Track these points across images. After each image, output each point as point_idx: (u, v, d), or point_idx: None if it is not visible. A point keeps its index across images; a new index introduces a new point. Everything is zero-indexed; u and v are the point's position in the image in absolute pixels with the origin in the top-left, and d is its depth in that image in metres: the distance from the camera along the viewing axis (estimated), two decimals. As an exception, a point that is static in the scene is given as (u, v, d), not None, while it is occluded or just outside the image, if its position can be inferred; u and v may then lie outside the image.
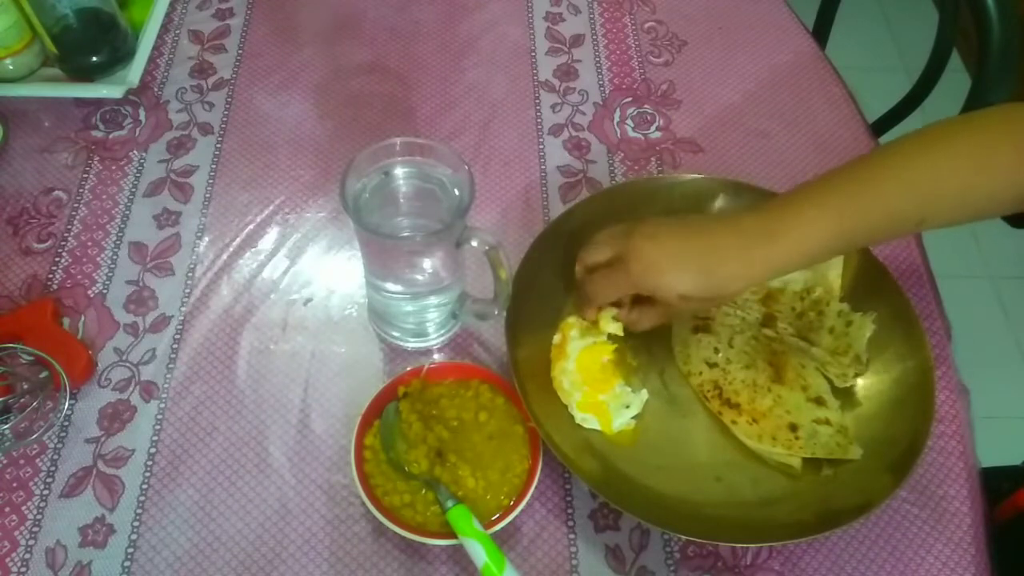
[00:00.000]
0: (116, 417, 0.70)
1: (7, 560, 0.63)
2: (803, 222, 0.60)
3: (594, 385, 0.68)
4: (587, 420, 0.67)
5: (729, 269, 0.61)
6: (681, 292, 0.61)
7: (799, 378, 0.70)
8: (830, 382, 0.70)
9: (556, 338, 0.70)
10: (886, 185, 0.59)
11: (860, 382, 0.70)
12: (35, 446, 0.68)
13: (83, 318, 0.75)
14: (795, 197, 0.61)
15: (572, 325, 0.71)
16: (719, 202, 0.77)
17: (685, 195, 0.78)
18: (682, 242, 0.62)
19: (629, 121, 0.89)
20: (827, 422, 0.67)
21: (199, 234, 0.80)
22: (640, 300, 0.68)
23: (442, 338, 0.73)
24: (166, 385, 0.71)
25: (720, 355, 0.71)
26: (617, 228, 0.66)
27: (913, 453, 0.63)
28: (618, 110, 0.90)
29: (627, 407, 0.68)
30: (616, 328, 0.69)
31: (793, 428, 0.67)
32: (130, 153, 0.86)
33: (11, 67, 0.86)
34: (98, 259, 0.78)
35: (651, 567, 0.63)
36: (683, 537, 0.63)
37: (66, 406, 0.69)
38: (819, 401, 0.68)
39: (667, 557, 0.64)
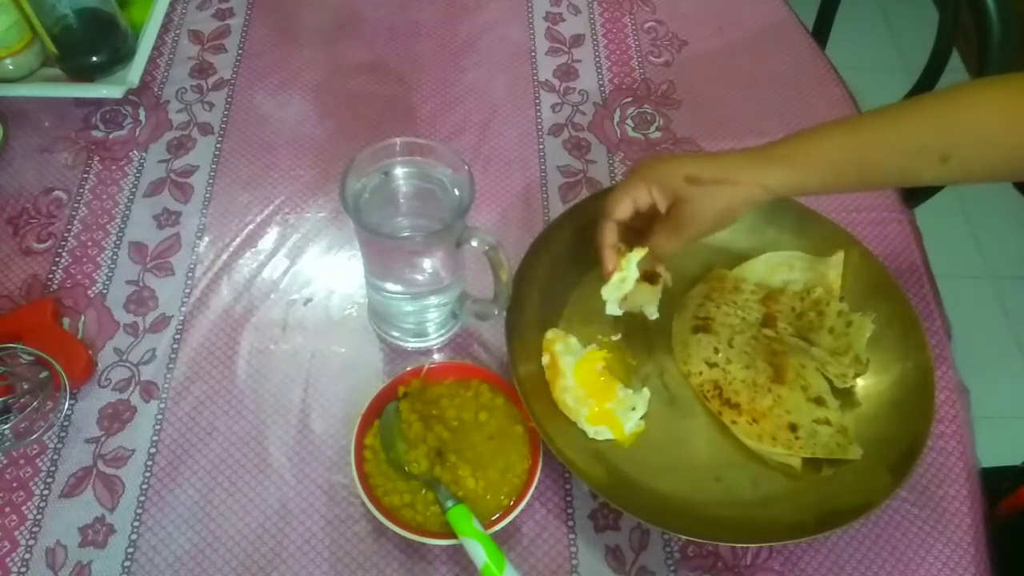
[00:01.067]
0: (116, 417, 0.70)
1: (7, 560, 0.63)
2: (820, 137, 0.61)
3: (597, 395, 0.68)
4: (600, 432, 0.67)
5: (739, 162, 0.62)
6: (688, 171, 0.61)
7: (799, 378, 0.70)
8: (830, 382, 0.70)
9: (545, 359, 0.70)
10: (910, 114, 0.60)
11: (860, 382, 0.70)
12: (35, 446, 0.68)
13: (83, 318, 0.75)
14: (813, 126, 0.62)
15: (554, 340, 0.70)
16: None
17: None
18: (686, 153, 0.65)
19: (629, 121, 0.89)
20: (827, 422, 0.67)
21: (199, 234, 0.80)
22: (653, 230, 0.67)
23: (442, 338, 0.73)
24: (166, 385, 0.71)
25: (720, 355, 0.71)
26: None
27: (913, 453, 0.63)
28: (618, 110, 0.90)
29: (633, 409, 0.68)
30: (613, 308, 0.69)
31: (793, 428, 0.67)
32: (130, 153, 0.86)
33: (11, 67, 0.86)
34: (98, 259, 0.78)
35: (651, 567, 0.63)
36: (683, 537, 0.63)
37: (66, 406, 0.69)
38: (819, 401, 0.68)
39: (667, 557, 0.64)
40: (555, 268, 0.74)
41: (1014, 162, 0.60)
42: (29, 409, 0.69)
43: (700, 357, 0.71)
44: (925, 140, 0.59)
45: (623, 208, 0.65)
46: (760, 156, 0.62)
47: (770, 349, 0.71)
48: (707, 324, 0.72)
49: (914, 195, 0.92)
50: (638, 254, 0.66)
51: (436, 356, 0.73)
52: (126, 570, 0.63)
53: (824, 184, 0.62)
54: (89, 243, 0.79)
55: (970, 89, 0.62)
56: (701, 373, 0.71)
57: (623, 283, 0.67)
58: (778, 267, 0.75)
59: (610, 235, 0.66)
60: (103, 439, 0.69)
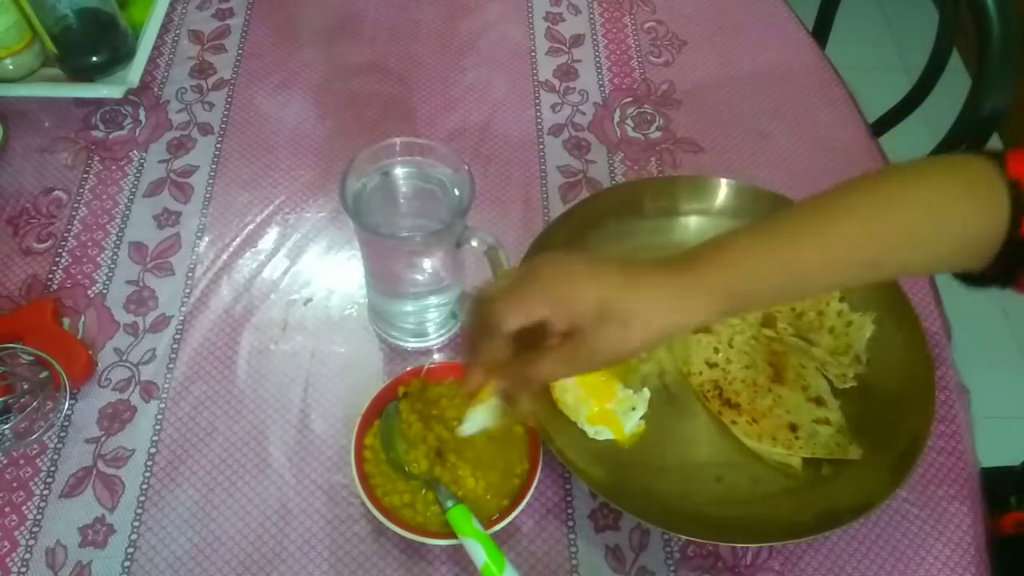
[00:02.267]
0: (116, 417, 0.70)
1: (7, 560, 0.63)
2: (740, 249, 0.52)
3: (597, 395, 0.68)
4: (600, 432, 0.67)
5: (659, 294, 0.51)
6: (598, 303, 0.50)
7: (799, 378, 0.70)
8: (830, 382, 0.70)
9: None
10: (840, 224, 0.53)
11: (860, 382, 0.70)
12: (35, 446, 0.68)
13: (83, 318, 0.74)
14: (734, 231, 0.54)
15: None
16: (719, 202, 0.78)
17: (685, 195, 0.78)
18: (598, 262, 0.53)
19: (629, 121, 0.89)
20: (827, 422, 0.67)
21: (199, 234, 0.80)
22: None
23: (442, 338, 0.73)
24: (166, 385, 0.71)
25: (720, 355, 0.71)
26: (516, 269, 0.57)
27: (913, 453, 0.63)
28: (618, 110, 0.90)
29: (633, 409, 0.68)
30: (469, 429, 0.58)
31: (793, 428, 0.67)
32: (130, 153, 0.86)
33: (11, 67, 0.86)
34: (98, 259, 0.78)
35: (651, 567, 0.63)
36: (683, 537, 0.63)
37: (66, 406, 0.69)
38: (819, 401, 0.68)
39: (667, 557, 0.64)
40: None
41: (943, 261, 0.56)
42: (29, 409, 0.68)
43: (700, 357, 0.71)
44: (855, 254, 0.53)
45: (516, 323, 0.51)
46: (682, 285, 0.51)
47: (770, 349, 0.71)
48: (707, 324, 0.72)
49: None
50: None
51: (436, 356, 0.73)
52: (126, 570, 0.63)
53: (747, 310, 0.58)
54: (89, 243, 0.79)
55: (900, 186, 0.54)
56: (701, 373, 0.71)
57: (486, 418, 0.58)
58: None
59: (501, 353, 0.53)
60: (103, 439, 0.69)
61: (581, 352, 0.52)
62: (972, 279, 0.56)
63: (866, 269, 0.54)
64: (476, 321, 0.53)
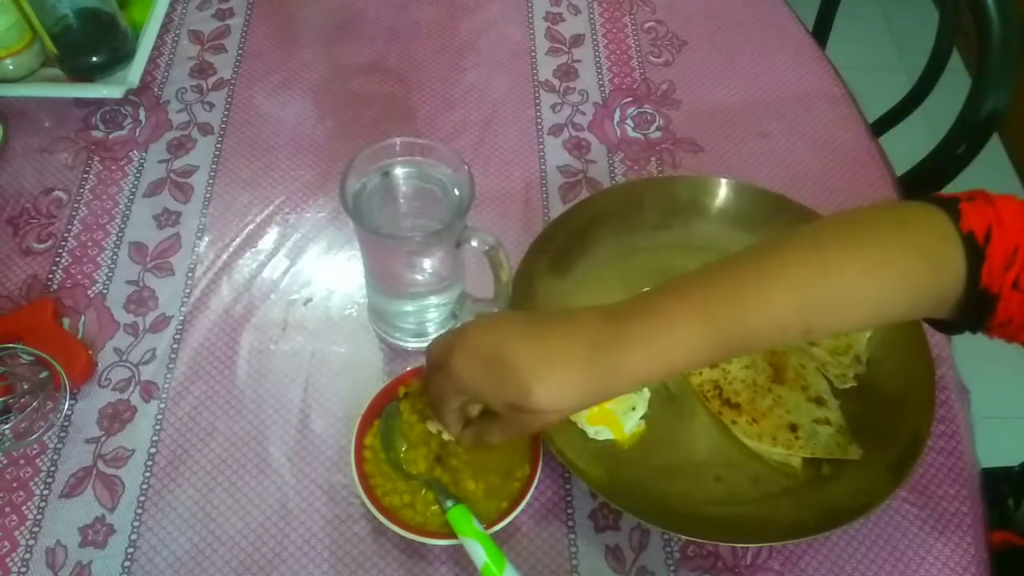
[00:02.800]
0: (116, 417, 0.70)
1: (7, 560, 0.63)
2: (665, 325, 0.50)
3: None
4: (600, 432, 0.67)
5: (564, 378, 0.51)
6: (509, 404, 0.51)
7: (799, 378, 0.70)
8: (830, 383, 0.70)
9: None
10: (762, 290, 0.51)
11: (860, 382, 0.70)
12: (35, 446, 0.68)
13: (83, 318, 0.74)
14: (656, 297, 0.52)
15: None
16: (719, 202, 0.78)
17: (685, 195, 0.78)
18: (509, 344, 0.52)
19: (629, 121, 0.89)
20: (827, 422, 0.67)
21: (199, 234, 0.80)
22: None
23: (442, 338, 0.73)
24: (166, 385, 0.71)
25: None
26: (447, 333, 0.58)
27: (913, 453, 0.63)
28: (618, 110, 0.90)
29: (633, 408, 0.68)
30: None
31: (793, 428, 0.67)
32: (130, 153, 0.86)
33: (11, 67, 0.86)
34: (98, 259, 0.78)
35: (651, 567, 0.63)
36: (683, 537, 0.63)
37: (66, 406, 0.69)
38: (819, 401, 0.68)
39: (667, 557, 0.64)
40: (555, 268, 0.74)
41: (886, 315, 0.54)
42: (29, 409, 0.69)
43: None
44: (787, 320, 0.51)
45: (451, 410, 0.57)
46: (598, 372, 0.51)
47: (770, 349, 0.71)
48: None
49: (914, 195, 0.92)
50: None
51: (436, 356, 0.73)
52: (126, 570, 0.63)
53: (670, 375, 0.59)
54: (89, 243, 0.79)
55: (836, 242, 0.52)
56: (701, 373, 0.71)
57: None
58: None
59: (455, 425, 0.59)
60: (103, 439, 0.69)
61: (512, 427, 0.57)
62: (943, 326, 0.56)
63: (807, 333, 0.51)
64: (426, 401, 0.60)
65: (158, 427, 0.69)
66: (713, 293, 0.51)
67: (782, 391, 0.69)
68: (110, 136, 0.87)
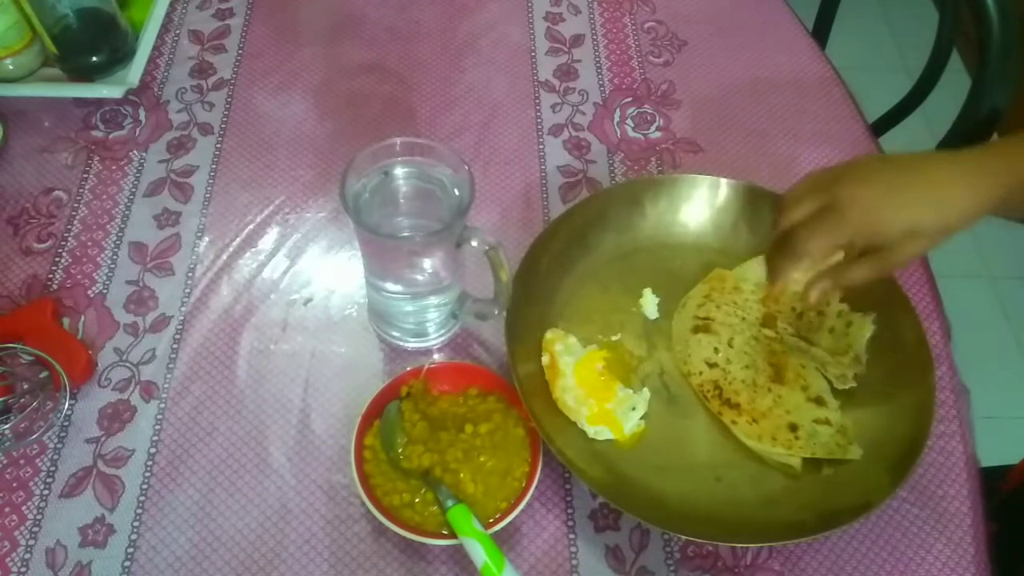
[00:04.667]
0: (116, 417, 0.70)
1: (7, 560, 0.63)
2: (1017, 165, 0.59)
3: (597, 395, 0.68)
4: (600, 432, 0.67)
5: (956, 197, 0.58)
6: (909, 227, 0.58)
7: (799, 378, 0.70)
8: (830, 383, 0.70)
9: (544, 359, 0.70)
10: None
11: (860, 382, 0.70)
12: (35, 446, 0.68)
13: (83, 318, 0.74)
14: (1004, 143, 0.61)
15: (554, 340, 0.70)
16: (719, 202, 0.78)
17: (685, 195, 0.78)
18: (898, 178, 0.58)
19: (629, 121, 0.89)
20: (827, 422, 0.67)
21: (199, 234, 0.80)
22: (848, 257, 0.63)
23: (442, 338, 0.73)
24: (166, 385, 0.71)
25: (720, 355, 0.71)
26: (814, 179, 0.61)
27: (913, 453, 0.63)
28: (618, 110, 0.90)
29: (633, 409, 0.68)
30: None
31: (793, 428, 0.67)
32: (130, 153, 0.86)
33: (11, 67, 0.86)
34: (98, 259, 0.78)
35: (651, 567, 0.63)
36: (683, 537, 0.63)
37: (66, 406, 0.69)
38: (819, 401, 0.68)
39: (667, 557, 0.64)
40: (555, 268, 0.74)
41: None
42: (29, 409, 0.69)
43: (700, 357, 0.71)
44: None
45: (820, 249, 0.60)
46: (979, 196, 0.59)
47: (770, 349, 0.71)
48: (707, 324, 0.72)
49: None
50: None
51: (436, 356, 0.73)
52: (126, 570, 0.63)
53: (1012, 210, 0.61)
54: (89, 243, 0.79)
55: None
56: (701, 373, 0.71)
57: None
58: (726, 275, 0.75)
59: (803, 275, 0.62)
60: (103, 439, 0.69)
61: (893, 261, 0.60)
62: None
63: None
64: (782, 241, 0.61)
65: (158, 427, 0.69)
66: None
67: (782, 391, 0.69)
68: (110, 136, 0.87)
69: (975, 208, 0.58)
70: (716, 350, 0.71)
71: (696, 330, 0.72)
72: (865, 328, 0.70)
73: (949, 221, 0.58)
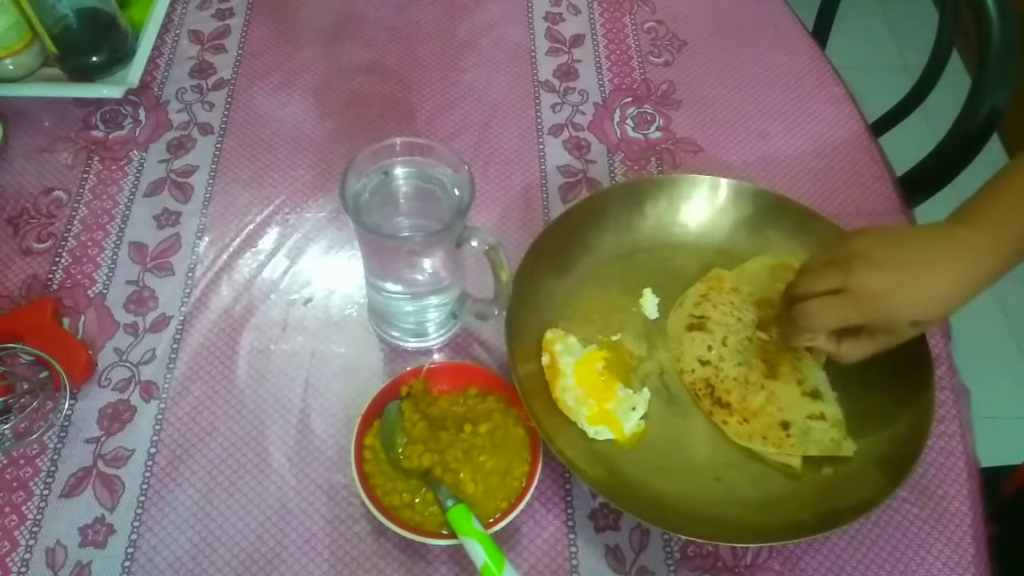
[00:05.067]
0: (116, 417, 0.70)
1: (7, 560, 0.63)
2: (1011, 234, 0.62)
3: (597, 395, 0.68)
4: (600, 432, 0.67)
5: (961, 293, 0.61)
6: (915, 318, 0.62)
7: (795, 371, 0.70)
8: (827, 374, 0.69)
9: (544, 359, 0.70)
10: None
11: (860, 382, 0.70)
12: (35, 446, 0.68)
13: (83, 318, 0.75)
14: (992, 206, 0.63)
15: (553, 340, 0.70)
16: (719, 202, 0.78)
17: (685, 195, 0.78)
18: (911, 270, 0.61)
19: (629, 121, 0.89)
20: (822, 417, 0.67)
21: (199, 234, 0.80)
22: (849, 331, 0.65)
23: (442, 338, 0.73)
24: (166, 385, 0.71)
25: (713, 352, 0.71)
26: (828, 256, 0.64)
27: (913, 453, 0.63)
28: (618, 110, 0.90)
29: (633, 409, 0.68)
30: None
31: (785, 426, 0.67)
32: (130, 153, 0.86)
33: (11, 67, 0.86)
34: (98, 259, 0.78)
35: (651, 567, 0.63)
36: (683, 537, 0.63)
37: (66, 406, 0.69)
38: (815, 395, 0.68)
39: (667, 557, 0.64)
40: (555, 268, 0.74)
41: None
42: (29, 409, 0.69)
43: (693, 355, 0.71)
44: None
45: (830, 328, 0.64)
46: (975, 282, 0.61)
47: (764, 349, 0.71)
48: (702, 323, 0.72)
49: (914, 195, 0.92)
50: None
51: (436, 356, 0.73)
52: (126, 570, 0.63)
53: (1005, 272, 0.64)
54: (89, 243, 0.79)
55: None
56: (693, 371, 0.71)
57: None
58: (777, 269, 0.75)
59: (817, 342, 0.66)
60: (103, 439, 0.69)
61: (891, 342, 0.64)
62: None
63: None
64: (796, 320, 0.64)
65: (158, 427, 0.69)
66: None
67: (776, 386, 0.69)
68: (110, 136, 0.87)
69: (974, 295, 0.62)
70: (709, 348, 0.71)
71: (691, 328, 0.72)
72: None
73: (950, 312, 0.63)
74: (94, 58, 0.88)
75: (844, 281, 0.61)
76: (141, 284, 0.77)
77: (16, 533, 0.64)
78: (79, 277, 0.77)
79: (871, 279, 0.60)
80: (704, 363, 0.71)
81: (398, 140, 0.65)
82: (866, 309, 0.61)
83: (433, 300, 0.71)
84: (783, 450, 0.66)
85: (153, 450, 0.68)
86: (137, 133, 0.87)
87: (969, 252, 0.62)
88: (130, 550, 0.64)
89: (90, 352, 0.72)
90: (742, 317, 0.73)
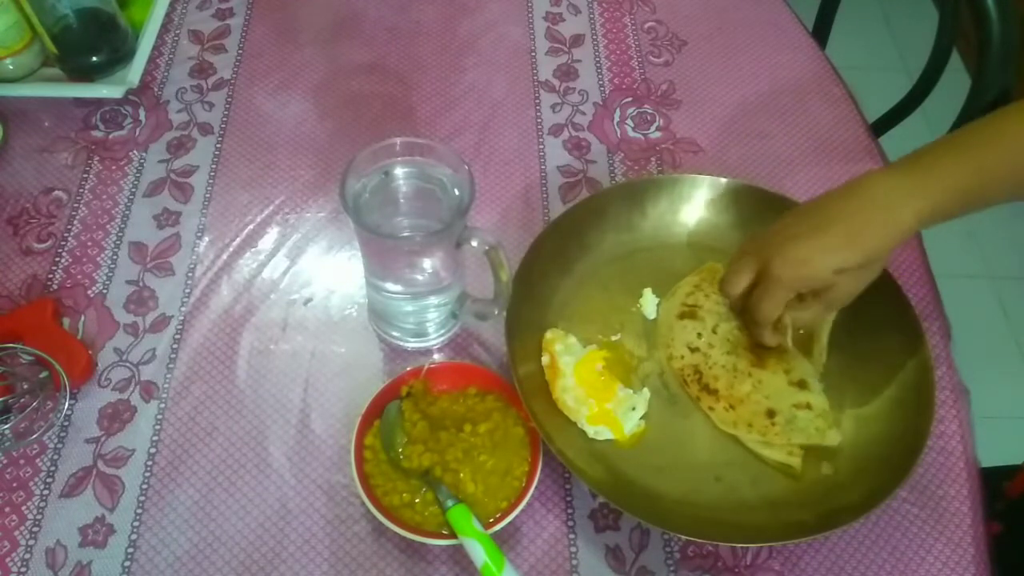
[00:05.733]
0: (116, 417, 0.70)
1: (7, 560, 0.63)
2: (939, 177, 0.60)
3: (597, 395, 0.68)
4: (600, 432, 0.67)
5: (873, 231, 0.61)
6: (835, 267, 0.61)
7: (781, 362, 0.70)
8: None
9: (544, 359, 0.70)
10: (1013, 138, 0.61)
11: (860, 383, 0.70)
12: (35, 446, 0.68)
13: (83, 318, 0.75)
14: (925, 155, 0.62)
15: (553, 340, 0.70)
16: (719, 202, 0.78)
17: (685, 195, 0.78)
18: (810, 223, 0.62)
19: (629, 121, 0.89)
20: (808, 406, 0.67)
21: (199, 234, 0.80)
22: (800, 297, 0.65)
23: (442, 338, 0.73)
24: (166, 385, 0.71)
25: (703, 339, 0.71)
26: (743, 250, 0.66)
27: (913, 453, 0.63)
28: (618, 110, 0.90)
29: (633, 409, 0.68)
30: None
31: (771, 414, 0.67)
32: (130, 153, 0.86)
33: (11, 67, 0.86)
34: (98, 259, 0.78)
35: (651, 567, 0.63)
36: (683, 537, 0.63)
37: (66, 406, 0.69)
38: (801, 384, 0.69)
39: (667, 557, 0.64)
40: (555, 268, 0.74)
41: None
42: (29, 409, 0.69)
43: (683, 341, 0.72)
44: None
45: (774, 313, 0.64)
46: (896, 220, 0.61)
47: (753, 339, 0.71)
48: (693, 311, 0.73)
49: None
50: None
51: (436, 356, 0.73)
52: (126, 570, 0.63)
53: (943, 219, 0.63)
54: (89, 243, 0.79)
55: None
56: (683, 357, 0.71)
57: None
58: (717, 268, 0.76)
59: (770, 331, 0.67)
60: (103, 439, 0.69)
61: (833, 298, 0.64)
62: None
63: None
64: (747, 320, 0.67)
65: (158, 427, 0.69)
66: (972, 150, 0.62)
67: (763, 375, 0.69)
68: (110, 136, 0.87)
69: (896, 231, 0.61)
70: (699, 335, 0.71)
71: (682, 316, 0.73)
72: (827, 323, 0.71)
73: (869, 252, 0.61)
74: (94, 58, 0.88)
75: (760, 264, 0.62)
76: (141, 284, 0.77)
77: (16, 533, 0.64)
78: (79, 277, 0.77)
79: (779, 250, 0.61)
80: (693, 350, 0.71)
81: (398, 140, 0.65)
82: (787, 278, 0.61)
83: (433, 300, 0.71)
84: (767, 438, 0.67)
85: (153, 450, 0.68)
86: (137, 133, 0.87)
87: (886, 195, 0.61)
88: (130, 550, 0.64)
89: (90, 352, 0.72)
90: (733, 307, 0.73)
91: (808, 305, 0.65)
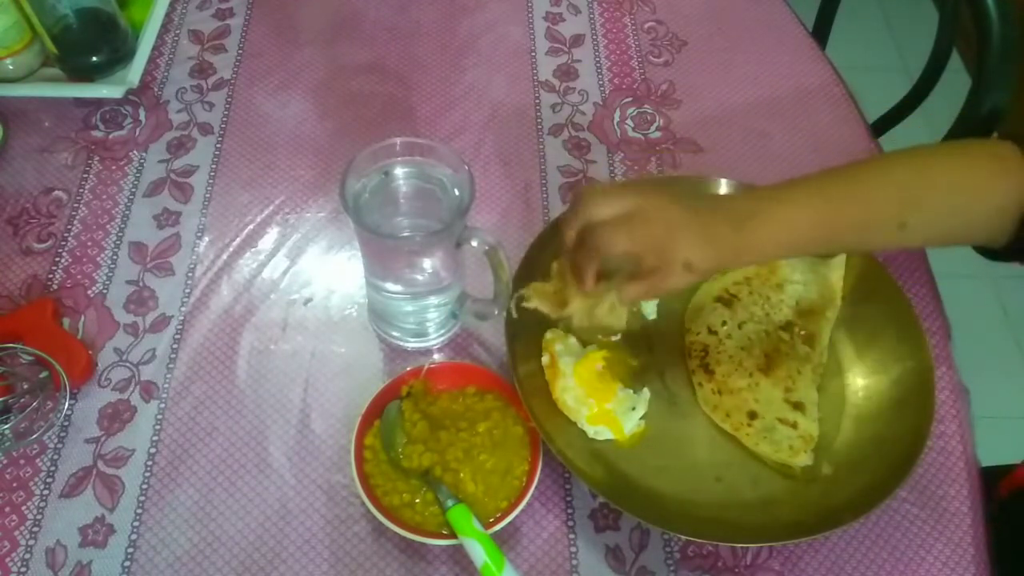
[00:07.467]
0: (116, 417, 0.70)
1: (7, 560, 0.63)
2: (785, 209, 0.61)
3: (597, 395, 0.68)
4: (600, 432, 0.67)
5: (721, 247, 0.60)
6: (687, 258, 0.59)
7: (787, 378, 0.70)
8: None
9: (544, 359, 0.70)
10: (871, 181, 0.62)
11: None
12: (35, 446, 0.68)
13: (83, 318, 0.75)
14: (784, 186, 0.62)
15: (553, 340, 0.71)
16: (719, 202, 0.78)
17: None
18: (691, 214, 0.60)
19: (629, 121, 0.89)
20: (794, 425, 0.67)
21: (199, 234, 0.80)
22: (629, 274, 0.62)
23: (442, 338, 0.73)
24: (166, 385, 0.71)
25: (725, 327, 0.72)
26: (619, 186, 0.65)
27: (913, 453, 0.63)
28: (618, 110, 0.90)
29: (633, 409, 0.68)
30: (617, 318, 0.64)
31: (752, 415, 0.67)
32: (130, 153, 0.86)
33: (11, 67, 0.86)
34: (98, 259, 0.78)
35: (651, 567, 0.63)
36: (683, 537, 0.63)
37: (66, 406, 0.69)
38: (797, 406, 0.68)
39: (667, 557, 0.64)
40: (555, 268, 0.74)
41: (966, 229, 0.64)
42: (29, 409, 0.69)
43: (706, 321, 0.72)
44: (884, 206, 0.61)
45: (619, 252, 0.60)
46: (732, 221, 0.60)
47: (774, 348, 0.71)
48: (731, 300, 0.73)
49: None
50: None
51: (436, 356, 0.73)
52: (126, 570, 0.63)
53: (788, 253, 0.66)
54: (89, 243, 0.79)
55: (932, 156, 0.64)
56: (698, 334, 0.72)
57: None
58: (778, 268, 0.75)
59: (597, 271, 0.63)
60: (103, 439, 0.69)
61: (662, 285, 0.60)
62: (993, 254, 0.66)
63: (898, 229, 0.62)
64: (584, 240, 0.60)
65: (158, 427, 0.69)
66: (823, 187, 0.63)
67: (763, 381, 0.69)
68: (110, 136, 0.87)
69: (732, 258, 0.60)
70: (724, 323, 0.72)
71: (718, 299, 0.73)
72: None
73: (717, 265, 0.61)
74: (94, 58, 0.88)
75: (638, 204, 0.59)
76: (141, 284, 0.77)
77: (16, 533, 0.64)
78: (79, 277, 0.77)
79: (666, 207, 0.59)
80: (712, 332, 0.72)
81: (398, 140, 0.65)
82: (656, 236, 0.58)
83: (433, 300, 0.71)
84: (739, 434, 0.67)
85: (153, 450, 0.68)
86: (137, 133, 0.87)
87: (738, 220, 0.60)
88: (130, 550, 0.64)
89: (90, 352, 0.72)
90: (770, 313, 0.73)
91: (633, 283, 0.60)
